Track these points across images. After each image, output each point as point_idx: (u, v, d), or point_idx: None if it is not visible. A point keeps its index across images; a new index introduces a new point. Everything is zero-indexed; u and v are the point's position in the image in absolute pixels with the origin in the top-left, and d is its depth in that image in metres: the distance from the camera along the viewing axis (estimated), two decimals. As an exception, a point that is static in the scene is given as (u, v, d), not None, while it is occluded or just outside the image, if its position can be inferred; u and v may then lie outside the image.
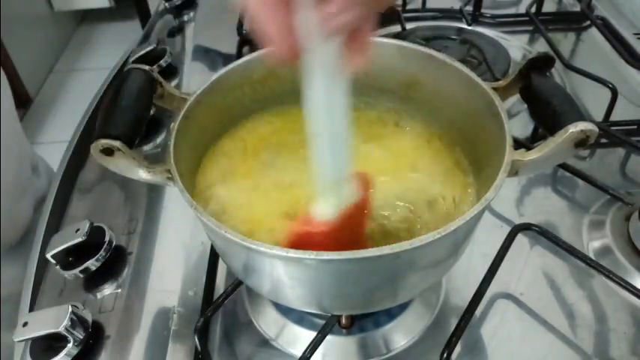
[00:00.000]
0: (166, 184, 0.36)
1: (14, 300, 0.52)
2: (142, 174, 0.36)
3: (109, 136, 0.34)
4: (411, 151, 0.43)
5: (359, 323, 0.44)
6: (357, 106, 0.47)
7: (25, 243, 0.62)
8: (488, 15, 0.82)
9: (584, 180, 0.53)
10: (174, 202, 0.56)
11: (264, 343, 0.44)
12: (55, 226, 0.57)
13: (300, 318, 0.45)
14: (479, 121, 0.40)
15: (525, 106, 0.40)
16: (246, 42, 0.79)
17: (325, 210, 0.35)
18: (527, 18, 0.81)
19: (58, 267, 0.48)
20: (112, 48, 1.88)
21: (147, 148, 0.63)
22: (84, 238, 0.47)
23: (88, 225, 0.48)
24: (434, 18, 0.84)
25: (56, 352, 0.42)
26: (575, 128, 0.33)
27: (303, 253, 0.29)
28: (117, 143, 0.34)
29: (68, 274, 0.47)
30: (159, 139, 0.64)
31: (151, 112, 0.63)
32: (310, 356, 0.39)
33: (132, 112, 0.37)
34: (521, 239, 0.49)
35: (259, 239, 0.30)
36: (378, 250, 0.29)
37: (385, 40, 0.45)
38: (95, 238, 0.48)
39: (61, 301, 0.48)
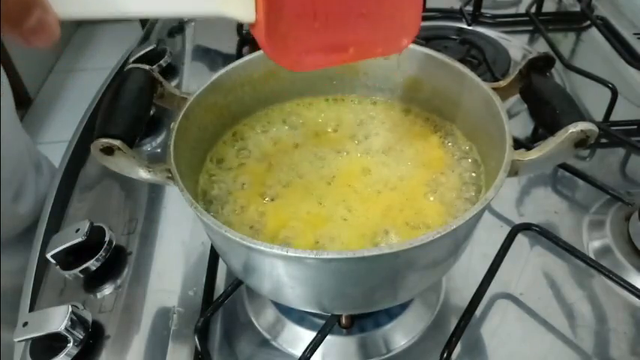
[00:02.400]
0: (166, 183, 0.36)
1: (13, 294, 0.52)
2: (142, 173, 0.36)
3: (109, 135, 0.34)
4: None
5: (359, 323, 0.44)
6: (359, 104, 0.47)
7: (26, 240, 0.62)
8: (488, 15, 0.82)
9: (584, 180, 0.53)
10: (175, 201, 0.56)
11: (264, 342, 0.44)
12: (55, 226, 0.57)
13: (300, 318, 0.45)
14: (479, 121, 0.40)
15: (525, 106, 0.40)
16: (246, 42, 0.79)
17: None
18: (527, 18, 0.81)
19: (58, 267, 0.48)
20: (112, 48, 1.87)
21: (147, 147, 0.63)
22: (84, 238, 0.47)
23: (88, 225, 0.48)
24: (434, 18, 0.84)
25: (56, 352, 0.42)
26: (575, 128, 0.33)
27: (303, 252, 0.29)
28: (117, 142, 0.34)
29: (68, 274, 0.47)
30: (159, 139, 0.64)
31: (151, 111, 0.64)
32: (310, 356, 0.39)
33: (132, 112, 0.37)
34: (521, 239, 0.49)
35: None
36: (378, 250, 0.29)
37: (385, 40, 0.45)
38: (95, 238, 0.48)
39: (61, 301, 0.48)
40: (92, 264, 0.47)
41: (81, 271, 0.47)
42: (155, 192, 0.57)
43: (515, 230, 0.47)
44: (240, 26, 0.80)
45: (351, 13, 0.33)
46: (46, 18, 0.23)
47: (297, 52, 0.32)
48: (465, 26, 0.80)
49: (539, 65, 0.39)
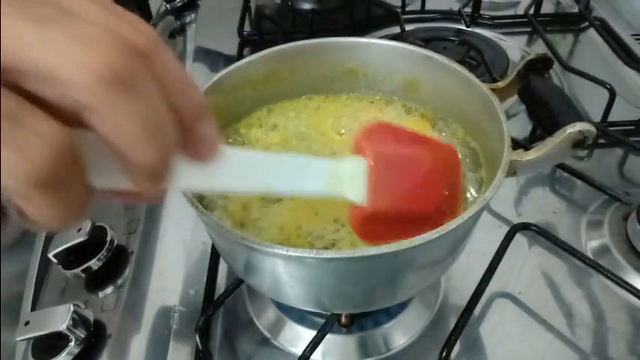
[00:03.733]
0: (168, 183, 0.37)
1: (15, 298, 0.52)
2: (144, 174, 0.36)
3: (112, 136, 0.34)
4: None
5: (358, 322, 0.44)
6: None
7: (25, 241, 0.62)
8: (486, 16, 0.82)
9: (583, 180, 0.54)
10: (176, 201, 0.56)
11: (265, 341, 0.44)
12: (56, 225, 0.57)
13: (300, 317, 0.45)
14: (478, 122, 0.40)
15: (524, 106, 0.40)
16: (247, 43, 0.80)
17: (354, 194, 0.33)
18: (525, 19, 0.81)
19: (60, 266, 0.48)
20: (112, 49, 1.88)
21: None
22: (86, 237, 0.47)
23: (89, 225, 0.48)
24: (433, 19, 0.84)
25: (58, 352, 0.42)
26: (573, 129, 0.33)
27: (304, 251, 0.30)
28: (119, 143, 0.34)
29: (70, 274, 0.48)
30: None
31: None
32: (310, 355, 0.39)
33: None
34: (519, 239, 0.49)
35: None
36: (377, 249, 0.29)
37: (384, 41, 0.46)
38: (97, 237, 0.49)
39: (63, 300, 0.48)
40: (94, 263, 0.48)
41: (83, 271, 0.47)
42: (156, 192, 0.57)
43: (514, 230, 0.47)
44: (240, 27, 0.81)
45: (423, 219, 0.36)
46: (77, 188, 0.19)
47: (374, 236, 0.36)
48: (463, 27, 0.81)
49: (538, 66, 0.39)
